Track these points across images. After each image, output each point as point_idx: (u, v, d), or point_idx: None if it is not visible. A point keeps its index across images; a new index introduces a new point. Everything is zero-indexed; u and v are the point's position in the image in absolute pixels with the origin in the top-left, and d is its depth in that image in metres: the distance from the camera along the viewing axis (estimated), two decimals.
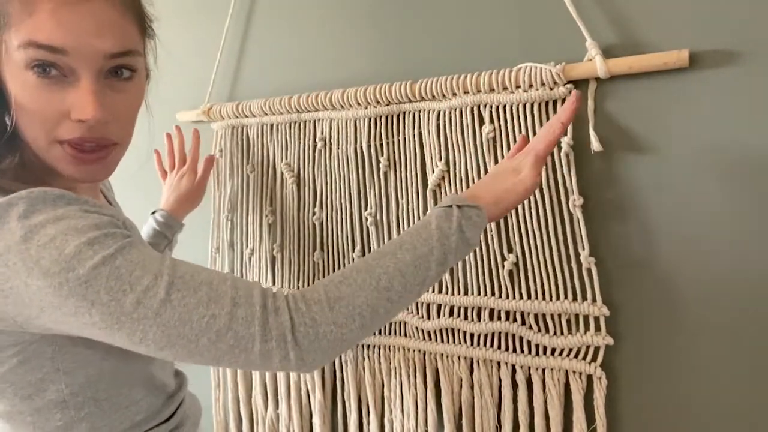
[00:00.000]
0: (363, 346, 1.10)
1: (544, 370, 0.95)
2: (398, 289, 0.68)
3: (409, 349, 1.06)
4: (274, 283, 1.18)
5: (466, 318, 1.01)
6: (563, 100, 0.87)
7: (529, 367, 0.96)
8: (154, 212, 1.12)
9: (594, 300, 0.90)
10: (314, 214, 1.13)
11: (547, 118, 0.89)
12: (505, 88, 0.90)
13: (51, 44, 0.61)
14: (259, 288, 0.64)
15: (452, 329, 1.02)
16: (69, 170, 0.67)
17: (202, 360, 0.62)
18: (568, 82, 0.86)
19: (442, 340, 1.03)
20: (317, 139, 1.11)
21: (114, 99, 0.66)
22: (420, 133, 1.00)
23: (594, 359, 0.91)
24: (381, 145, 1.04)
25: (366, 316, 0.66)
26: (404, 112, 1.01)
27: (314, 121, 1.11)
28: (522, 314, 0.96)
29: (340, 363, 1.13)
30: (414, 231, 0.72)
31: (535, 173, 0.77)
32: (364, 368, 1.10)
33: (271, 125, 1.17)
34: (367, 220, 1.07)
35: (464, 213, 0.73)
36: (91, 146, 0.66)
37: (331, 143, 1.10)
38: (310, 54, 1.15)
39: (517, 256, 0.95)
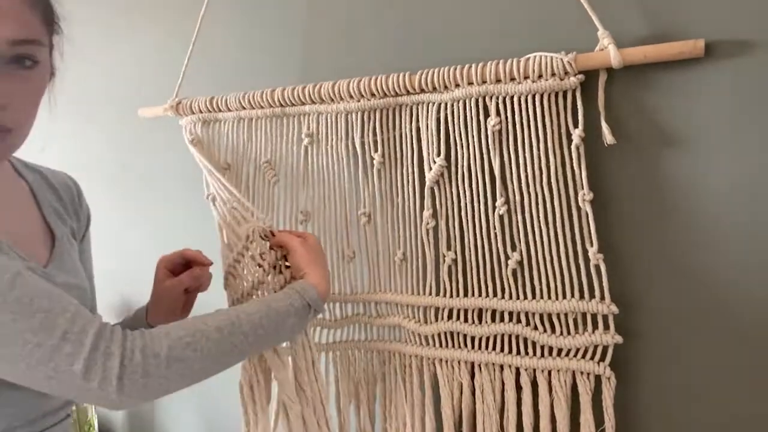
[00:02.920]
0: (360, 350, 1.04)
1: (550, 372, 0.92)
2: (235, 361, 0.76)
3: (405, 355, 1.01)
4: None
5: (466, 320, 0.97)
6: (574, 91, 0.84)
7: (534, 369, 0.93)
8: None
9: (602, 297, 0.88)
10: (301, 214, 1.06)
11: (557, 110, 0.86)
12: (512, 79, 0.87)
13: None
14: (97, 326, 0.64)
15: (452, 333, 0.98)
16: None
17: (22, 381, 0.64)
18: (580, 72, 0.83)
19: (441, 345, 0.99)
20: (303, 135, 1.05)
21: (13, 87, 0.66)
22: (418, 128, 0.96)
23: (602, 358, 0.88)
24: (375, 140, 0.99)
25: (199, 378, 0.71)
26: (401, 105, 0.96)
27: (299, 116, 1.05)
28: (526, 314, 0.93)
29: (334, 369, 1.07)
30: (273, 316, 0.78)
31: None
32: (359, 375, 1.04)
33: (250, 119, 1.10)
34: (360, 219, 1.02)
35: (315, 314, 0.84)
36: None
37: (319, 139, 1.04)
38: (295, 43, 1.09)
39: (521, 254, 0.92)
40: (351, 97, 0.98)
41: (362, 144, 1.00)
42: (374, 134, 0.99)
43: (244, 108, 1.09)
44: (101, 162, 1.45)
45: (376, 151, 0.99)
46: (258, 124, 1.09)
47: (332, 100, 1.00)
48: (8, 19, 0.64)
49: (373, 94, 0.97)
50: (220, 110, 1.11)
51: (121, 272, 1.38)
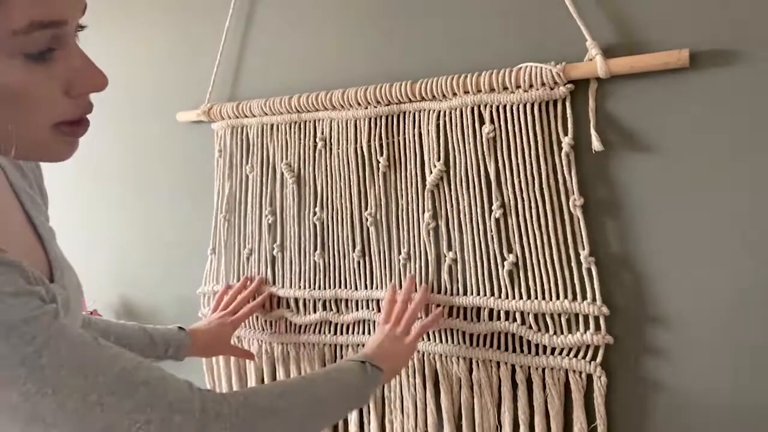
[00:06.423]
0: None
1: (544, 370, 0.95)
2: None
3: None
4: (275, 283, 1.18)
5: (465, 318, 1.01)
6: (563, 100, 0.87)
7: (529, 367, 0.96)
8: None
9: (594, 299, 0.90)
10: (315, 214, 1.13)
11: (548, 118, 0.89)
12: (505, 88, 0.90)
13: (57, 19, 0.51)
14: (196, 392, 0.63)
15: (451, 329, 1.02)
16: (63, 154, 0.58)
17: None
18: (569, 82, 0.86)
19: (441, 341, 1.03)
20: (317, 139, 1.11)
21: None
22: (420, 133, 1.01)
23: (594, 358, 0.91)
24: (381, 145, 1.05)
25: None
26: (404, 112, 1.01)
27: (314, 121, 1.12)
28: (522, 314, 0.96)
29: None
30: (337, 391, 0.83)
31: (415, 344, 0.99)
32: None
33: (272, 125, 1.17)
34: (367, 220, 1.07)
35: (376, 381, 0.89)
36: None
37: (331, 143, 1.10)
38: (311, 54, 1.15)
39: (516, 256, 0.95)
40: (359, 104, 1.04)
41: (369, 148, 1.06)
42: (380, 139, 1.04)
43: (266, 114, 1.16)
44: (102, 161, 1.46)
45: (381, 154, 1.05)
46: (279, 128, 1.16)
47: (342, 107, 1.06)
48: None
49: (378, 102, 1.02)
50: (245, 116, 1.19)
51: (120, 272, 1.43)
